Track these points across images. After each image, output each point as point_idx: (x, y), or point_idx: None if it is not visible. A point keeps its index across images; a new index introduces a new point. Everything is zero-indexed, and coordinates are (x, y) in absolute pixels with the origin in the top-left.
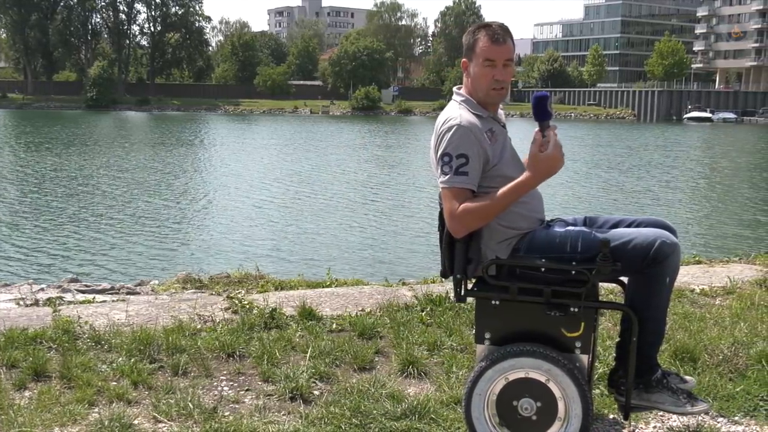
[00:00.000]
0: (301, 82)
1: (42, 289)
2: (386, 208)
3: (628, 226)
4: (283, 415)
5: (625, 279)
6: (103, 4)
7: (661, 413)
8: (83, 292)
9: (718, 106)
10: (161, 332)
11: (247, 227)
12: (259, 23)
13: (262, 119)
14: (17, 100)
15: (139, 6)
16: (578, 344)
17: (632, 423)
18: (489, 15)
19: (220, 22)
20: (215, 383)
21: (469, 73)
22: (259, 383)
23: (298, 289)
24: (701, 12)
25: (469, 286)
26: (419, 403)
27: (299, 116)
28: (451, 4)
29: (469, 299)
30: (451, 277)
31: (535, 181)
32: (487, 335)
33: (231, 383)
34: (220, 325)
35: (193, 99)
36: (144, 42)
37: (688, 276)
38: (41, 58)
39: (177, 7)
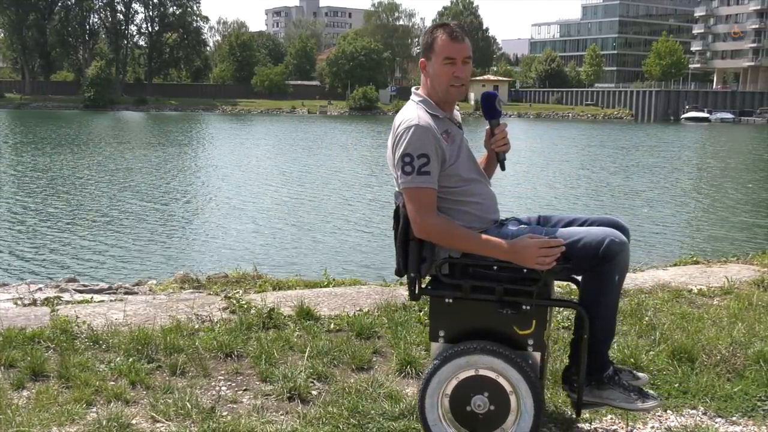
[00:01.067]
0: (299, 82)
1: (40, 289)
2: (383, 207)
3: (581, 225)
4: (281, 415)
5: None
6: (100, 4)
7: (659, 413)
8: (81, 291)
9: (716, 107)
10: (159, 332)
11: (245, 227)
12: (257, 23)
13: (259, 119)
14: (15, 100)
15: (136, 6)
16: (531, 341)
17: (630, 423)
18: (486, 15)
19: (218, 22)
20: (213, 383)
21: (428, 73)
22: (257, 383)
23: (295, 289)
24: (699, 12)
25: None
26: (417, 403)
27: (297, 116)
28: (449, 4)
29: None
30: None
31: (506, 257)
32: (441, 333)
33: (229, 383)
34: (218, 325)
35: (190, 99)
36: (142, 42)
37: (686, 276)
38: (39, 58)
39: (175, 8)
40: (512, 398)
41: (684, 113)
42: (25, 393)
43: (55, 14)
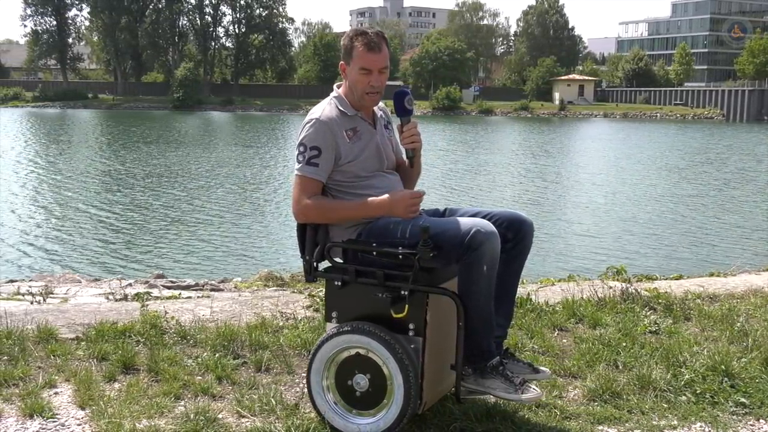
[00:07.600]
0: None
1: (130, 285)
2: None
3: (484, 217)
4: None
5: None
6: (189, 6)
7: (751, 422)
8: (169, 287)
9: None
10: (244, 328)
11: None
12: (341, 24)
13: None
14: (108, 101)
15: (224, 8)
16: (411, 326)
17: (720, 430)
18: (573, 14)
19: (303, 23)
20: (297, 380)
21: (347, 77)
22: None
23: None
24: None
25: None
26: (498, 404)
27: None
28: (534, 3)
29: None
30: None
31: (384, 212)
32: (334, 314)
33: None
34: (302, 323)
35: (275, 99)
36: (228, 43)
37: None
38: (131, 59)
39: (261, 9)
40: (387, 379)
41: None
42: (116, 385)
43: (146, 17)
